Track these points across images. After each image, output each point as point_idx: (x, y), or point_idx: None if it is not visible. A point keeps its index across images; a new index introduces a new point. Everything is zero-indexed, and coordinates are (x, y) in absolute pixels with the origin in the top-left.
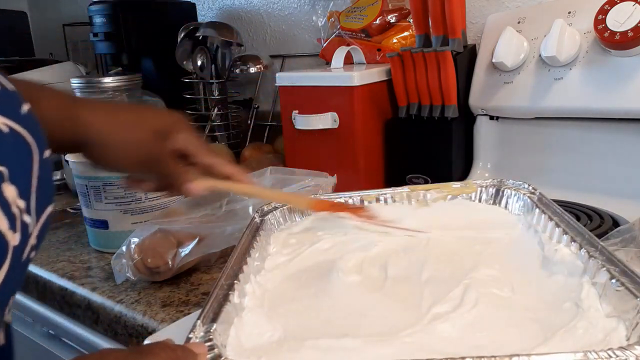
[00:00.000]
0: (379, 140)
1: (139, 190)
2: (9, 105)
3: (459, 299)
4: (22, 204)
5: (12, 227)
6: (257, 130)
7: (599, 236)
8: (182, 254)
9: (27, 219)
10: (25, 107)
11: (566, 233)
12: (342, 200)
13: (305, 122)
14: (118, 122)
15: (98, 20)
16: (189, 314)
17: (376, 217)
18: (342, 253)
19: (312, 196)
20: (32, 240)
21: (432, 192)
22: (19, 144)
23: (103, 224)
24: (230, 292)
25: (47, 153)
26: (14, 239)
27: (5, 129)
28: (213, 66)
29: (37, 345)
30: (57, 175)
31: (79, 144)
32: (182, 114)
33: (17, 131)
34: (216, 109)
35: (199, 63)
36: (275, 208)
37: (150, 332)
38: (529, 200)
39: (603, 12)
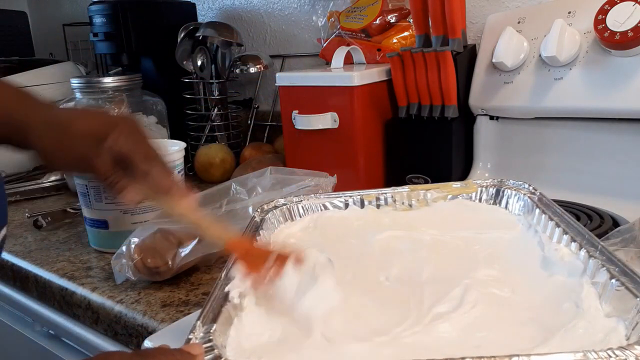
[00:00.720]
0: (379, 140)
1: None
2: None
3: (459, 299)
4: None
5: None
6: (257, 130)
7: (599, 236)
8: (182, 254)
9: None
10: None
11: (566, 233)
12: (341, 200)
13: (305, 122)
14: (52, 126)
15: (98, 20)
16: (189, 314)
17: (264, 284)
18: (342, 253)
19: (234, 235)
20: None
21: (432, 192)
22: None
23: (103, 224)
24: (230, 292)
25: None
26: None
27: None
28: (213, 66)
29: (37, 345)
30: (57, 175)
31: (10, 139)
32: (129, 117)
33: None
34: (216, 109)
35: (199, 63)
36: (276, 207)
37: (150, 332)
38: (529, 200)
39: (603, 12)
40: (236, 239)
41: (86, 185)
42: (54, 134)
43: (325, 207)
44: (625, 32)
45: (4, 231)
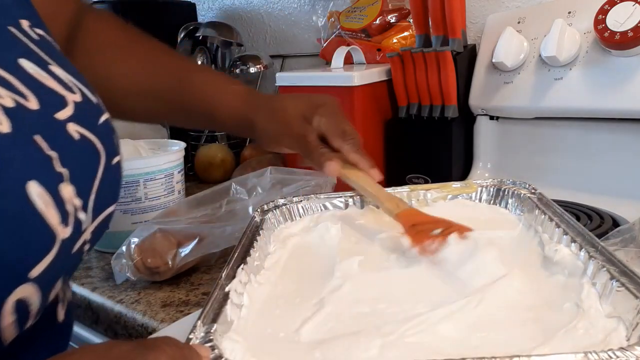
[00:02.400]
0: (379, 140)
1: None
2: (88, 115)
3: (458, 299)
4: (78, 202)
5: (64, 221)
6: None
7: (599, 236)
8: (182, 254)
9: (81, 216)
10: (103, 118)
11: (566, 233)
12: (341, 200)
13: None
14: (272, 114)
15: None
16: (189, 314)
17: (429, 253)
18: (342, 252)
19: (408, 208)
20: (86, 235)
21: (432, 192)
22: (86, 150)
23: None
24: (230, 292)
25: (115, 159)
26: (64, 232)
27: (77, 136)
28: (213, 66)
29: None
30: None
31: (249, 132)
32: (329, 98)
33: (88, 138)
34: None
35: (199, 63)
36: (276, 207)
37: (150, 332)
38: (529, 200)
39: (603, 12)
40: (406, 212)
41: None
42: (275, 121)
43: (325, 207)
44: (625, 32)
45: (112, 207)
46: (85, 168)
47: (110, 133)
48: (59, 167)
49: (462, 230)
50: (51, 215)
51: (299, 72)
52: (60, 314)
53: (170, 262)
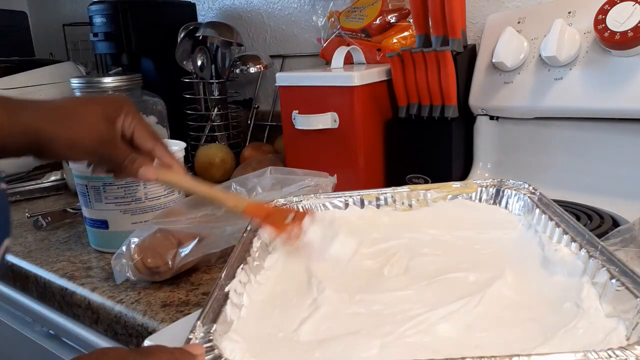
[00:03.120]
0: (379, 140)
1: (102, 174)
2: None
3: (459, 299)
4: None
5: None
6: (257, 130)
7: (599, 236)
8: (182, 254)
9: None
10: None
11: (566, 233)
12: (341, 200)
13: (305, 122)
14: (65, 114)
15: (98, 20)
16: (189, 314)
17: (297, 243)
18: (342, 252)
19: (251, 200)
20: None
21: (432, 192)
22: None
23: (103, 224)
24: (230, 292)
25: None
26: None
27: None
28: (213, 66)
29: (37, 345)
30: (57, 175)
31: (30, 145)
32: (127, 98)
33: None
34: (216, 109)
35: (199, 63)
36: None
37: (150, 332)
38: (529, 200)
39: (603, 12)
40: (254, 204)
41: (86, 185)
42: (69, 122)
43: (325, 207)
44: (625, 32)
45: (6, 242)
46: None
47: None
48: None
49: (307, 213)
50: None
51: (299, 72)
52: None
53: (170, 262)
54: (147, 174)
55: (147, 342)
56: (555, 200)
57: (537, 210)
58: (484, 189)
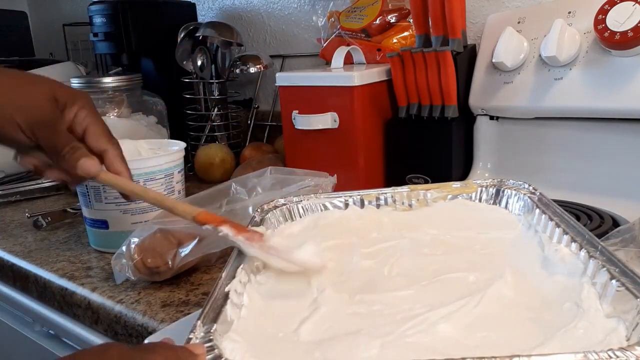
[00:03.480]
0: (379, 140)
1: (29, 166)
2: None
3: (458, 299)
4: None
5: None
6: (257, 130)
7: (599, 236)
8: (182, 254)
9: None
10: None
11: (566, 233)
12: (341, 200)
13: (305, 122)
14: (8, 83)
15: (98, 20)
16: (189, 314)
17: (262, 242)
18: (342, 252)
19: (200, 209)
20: None
21: (432, 192)
22: None
23: (103, 224)
24: (230, 292)
25: None
26: None
27: None
28: (213, 66)
29: (37, 345)
30: None
31: None
32: (87, 95)
33: None
34: (216, 109)
35: (199, 63)
36: (276, 207)
37: (150, 332)
38: (529, 200)
39: (603, 12)
40: (204, 213)
41: (86, 185)
42: (9, 90)
43: (325, 207)
44: (625, 32)
45: None
46: None
47: None
48: None
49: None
50: None
51: (299, 72)
52: None
53: (170, 262)
54: (87, 166)
55: (147, 342)
56: (555, 200)
57: (537, 210)
58: (484, 189)
